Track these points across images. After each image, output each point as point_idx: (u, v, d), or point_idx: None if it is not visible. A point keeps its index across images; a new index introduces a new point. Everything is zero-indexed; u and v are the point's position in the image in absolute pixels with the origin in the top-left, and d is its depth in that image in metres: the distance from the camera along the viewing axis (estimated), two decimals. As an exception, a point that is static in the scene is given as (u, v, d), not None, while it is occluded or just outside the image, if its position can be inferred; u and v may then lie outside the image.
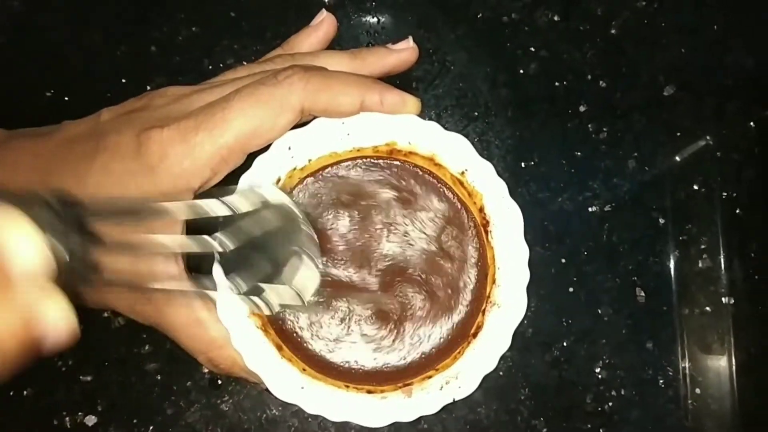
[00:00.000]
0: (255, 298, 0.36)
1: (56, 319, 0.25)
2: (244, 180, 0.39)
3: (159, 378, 0.51)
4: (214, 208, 0.34)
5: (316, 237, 0.39)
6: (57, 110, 0.53)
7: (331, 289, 0.42)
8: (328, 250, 0.42)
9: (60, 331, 0.25)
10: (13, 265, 0.24)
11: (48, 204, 0.27)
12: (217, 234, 0.34)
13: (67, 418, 0.50)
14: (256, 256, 0.37)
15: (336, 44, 0.47)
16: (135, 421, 0.50)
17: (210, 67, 0.54)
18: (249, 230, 0.36)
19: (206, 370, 0.50)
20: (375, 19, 0.55)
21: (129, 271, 0.35)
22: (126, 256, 0.35)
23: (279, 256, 0.37)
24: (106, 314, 0.50)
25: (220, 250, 0.34)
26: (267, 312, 0.37)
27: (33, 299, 0.25)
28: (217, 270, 0.37)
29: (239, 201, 0.35)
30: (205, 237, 0.34)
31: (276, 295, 0.36)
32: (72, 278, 0.27)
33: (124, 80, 0.54)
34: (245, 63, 0.53)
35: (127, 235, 0.32)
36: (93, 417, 0.50)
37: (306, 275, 0.38)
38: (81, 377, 0.50)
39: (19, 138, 0.41)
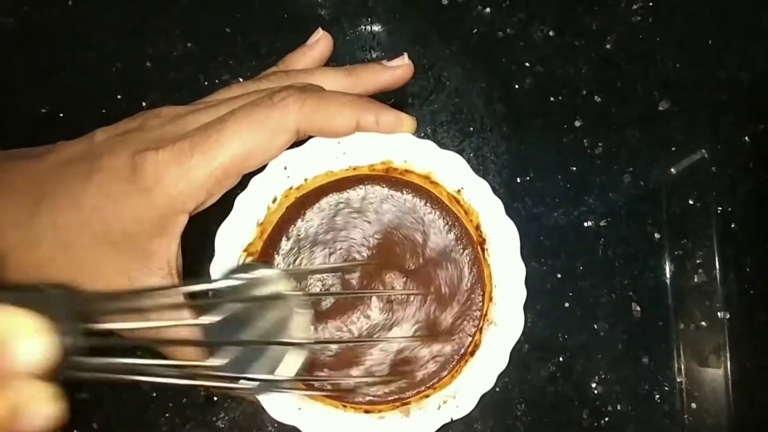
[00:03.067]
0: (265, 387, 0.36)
1: (44, 407, 0.26)
2: (224, 229, 0.40)
3: (154, 395, 0.50)
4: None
5: (309, 317, 0.38)
6: (52, 126, 0.53)
7: (328, 310, 0.42)
8: (322, 271, 0.42)
9: (46, 418, 0.26)
10: (13, 363, 0.25)
11: (52, 299, 0.28)
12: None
13: (63, 437, 0.49)
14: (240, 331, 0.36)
15: (331, 59, 0.47)
16: (131, 438, 0.50)
17: (205, 83, 0.54)
18: (235, 316, 0.35)
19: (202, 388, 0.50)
20: (370, 34, 0.55)
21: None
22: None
23: (263, 344, 0.37)
24: (101, 332, 0.50)
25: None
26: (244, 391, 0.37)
27: (27, 388, 0.26)
28: None
29: (230, 290, 0.35)
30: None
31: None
32: (69, 369, 0.28)
33: (119, 96, 0.54)
34: (240, 79, 0.53)
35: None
36: (88, 435, 0.50)
37: (289, 361, 0.37)
38: (77, 395, 0.50)
39: (12, 159, 0.40)
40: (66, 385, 0.27)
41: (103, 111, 0.52)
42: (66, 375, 0.28)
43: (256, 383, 0.34)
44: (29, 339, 0.26)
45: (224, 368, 0.34)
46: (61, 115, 0.53)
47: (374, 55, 0.55)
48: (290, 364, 0.35)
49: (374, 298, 0.42)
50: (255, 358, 0.35)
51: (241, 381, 0.34)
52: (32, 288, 0.29)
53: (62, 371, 0.27)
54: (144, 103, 0.53)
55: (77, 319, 0.29)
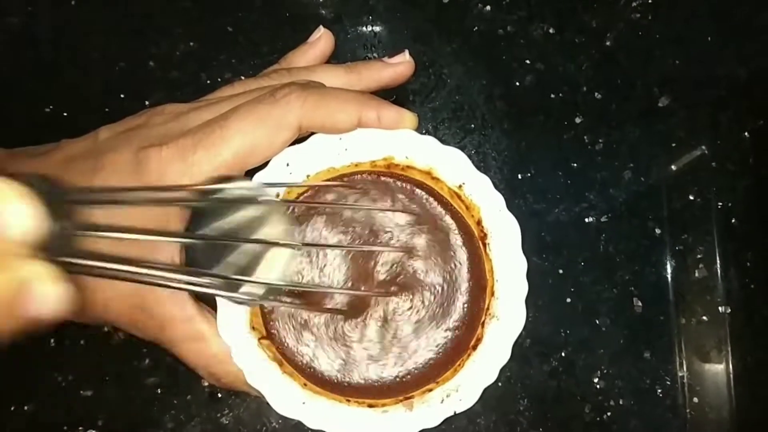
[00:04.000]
0: (236, 295, 0.36)
1: (50, 285, 0.26)
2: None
3: (159, 392, 0.51)
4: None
5: (289, 222, 0.38)
6: (56, 125, 0.53)
7: (331, 305, 0.42)
8: (325, 266, 0.42)
9: (55, 297, 0.26)
10: (7, 231, 0.24)
11: (37, 184, 0.27)
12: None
13: (68, 434, 0.50)
14: (227, 249, 0.36)
15: (333, 58, 0.47)
16: (135, 435, 0.50)
17: (208, 81, 0.55)
18: (218, 225, 0.35)
19: (206, 384, 0.51)
20: (372, 33, 0.56)
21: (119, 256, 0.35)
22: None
23: (250, 246, 0.37)
24: (106, 329, 0.50)
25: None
26: (252, 304, 0.37)
27: (27, 266, 0.25)
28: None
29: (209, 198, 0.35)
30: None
31: (254, 284, 0.36)
32: (57, 257, 0.27)
33: (122, 95, 0.54)
34: (242, 77, 0.54)
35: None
36: (93, 432, 0.50)
37: (281, 260, 0.37)
38: (81, 392, 0.50)
39: (17, 158, 0.41)
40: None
41: (107, 110, 0.53)
42: (59, 260, 0.26)
43: (251, 287, 0.34)
44: (15, 204, 0.24)
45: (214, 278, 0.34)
46: (65, 114, 0.54)
47: (375, 54, 0.56)
48: (279, 264, 0.36)
49: (382, 292, 0.42)
50: (243, 268, 0.35)
51: (237, 287, 0.34)
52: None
53: (56, 254, 0.26)
54: (147, 102, 0.53)
55: (63, 203, 0.27)
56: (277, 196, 0.41)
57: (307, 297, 0.42)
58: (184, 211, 0.38)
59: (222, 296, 0.36)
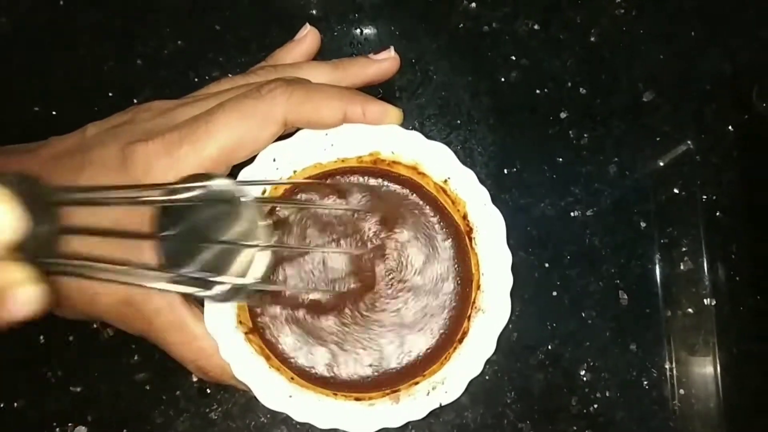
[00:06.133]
0: (210, 293, 0.35)
1: (28, 289, 0.26)
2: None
3: (148, 388, 0.51)
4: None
5: (263, 220, 0.38)
6: (44, 124, 0.53)
7: (317, 298, 0.42)
8: (312, 260, 0.43)
9: (32, 300, 0.26)
10: None
11: (14, 182, 0.27)
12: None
13: (57, 429, 0.50)
14: (198, 245, 0.36)
15: (320, 55, 0.48)
16: (125, 431, 0.50)
17: (196, 79, 0.55)
18: (189, 221, 0.35)
19: (195, 379, 0.51)
20: (358, 31, 0.56)
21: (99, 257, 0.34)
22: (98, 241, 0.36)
23: (221, 243, 0.37)
24: (95, 325, 0.51)
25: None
26: (221, 300, 0.36)
27: (5, 269, 0.26)
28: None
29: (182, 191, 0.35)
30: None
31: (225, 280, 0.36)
32: (33, 257, 0.27)
33: (110, 94, 0.54)
34: (230, 75, 0.54)
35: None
36: (83, 428, 0.50)
37: (252, 259, 0.37)
38: (71, 388, 0.50)
39: (5, 155, 0.41)
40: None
41: (96, 108, 0.52)
42: (39, 263, 0.27)
43: (225, 286, 0.34)
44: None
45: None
46: (53, 113, 0.54)
47: (362, 52, 0.56)
48: (255, 266, 0.36)
49: (368, 286, 0.43)
50: (219, 265, 0.35)
51: (213, 285, 0.34)
52: None
53: (35, 255, 0.26)
54: (135, 100, 0.53)
55: (44, 204, 0.28)
56: (264, 193, 0.42)
57: (285, 295, 0.42)
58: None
59: (199, 296, 0.36)
